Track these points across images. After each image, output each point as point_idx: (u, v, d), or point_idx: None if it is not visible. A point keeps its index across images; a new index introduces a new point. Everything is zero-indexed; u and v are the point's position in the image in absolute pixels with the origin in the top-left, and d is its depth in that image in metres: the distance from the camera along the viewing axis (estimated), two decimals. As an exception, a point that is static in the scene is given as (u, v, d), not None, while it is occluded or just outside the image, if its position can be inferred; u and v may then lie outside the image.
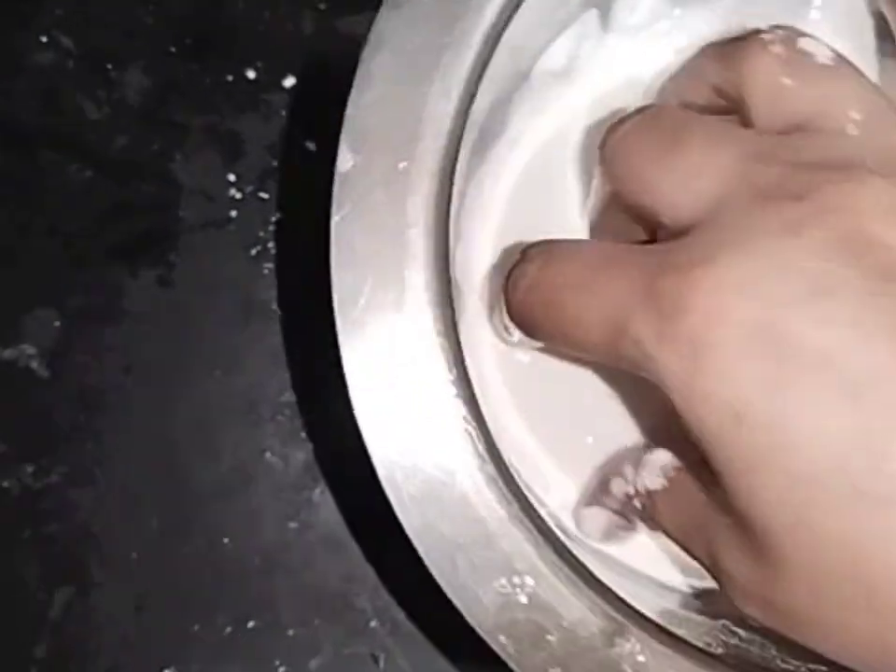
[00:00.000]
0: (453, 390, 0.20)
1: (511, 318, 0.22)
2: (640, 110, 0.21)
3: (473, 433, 0.20)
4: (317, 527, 0.29)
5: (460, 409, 0.20)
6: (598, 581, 0.20)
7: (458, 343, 0.20)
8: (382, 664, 0.29)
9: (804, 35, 0.20)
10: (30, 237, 0.30)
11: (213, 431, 0.29)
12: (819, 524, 0.17)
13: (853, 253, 0.17)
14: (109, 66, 0.30)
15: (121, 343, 0.29)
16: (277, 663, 0.29)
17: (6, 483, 0.29)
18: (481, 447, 0.20)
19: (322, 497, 0.29)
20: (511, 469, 0.21)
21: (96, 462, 0.29)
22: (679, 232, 0.19)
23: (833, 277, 0.17)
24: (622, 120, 0.21)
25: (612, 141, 0.21)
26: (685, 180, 0.19)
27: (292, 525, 0.29)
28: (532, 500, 0.21)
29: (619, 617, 0.20)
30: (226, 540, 0.29)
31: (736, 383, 0.17)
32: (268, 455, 0.29)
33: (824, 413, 0.17)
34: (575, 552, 0.21)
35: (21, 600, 0.29)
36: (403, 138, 0.21)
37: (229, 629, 0.29)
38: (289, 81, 0.30)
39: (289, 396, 0.29)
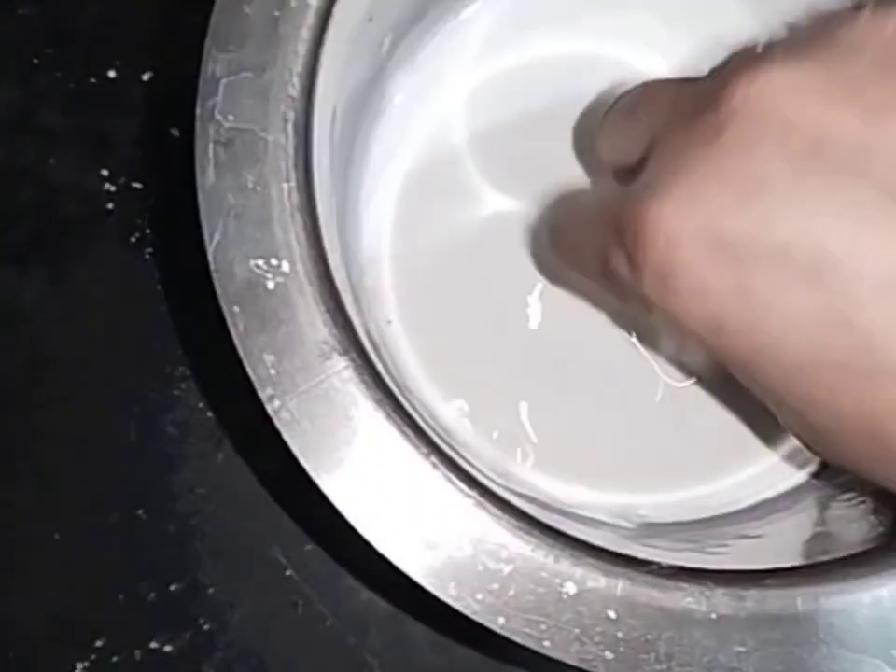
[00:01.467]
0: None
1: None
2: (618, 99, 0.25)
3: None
4: (225, 490, 0.31)
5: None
6: None
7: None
8: (300, 610, 0.30)
9: None
10: (-76, 254, 0.31)
11: (117, 412, 0.31)
12: (823, 405, 0.18)
13: (774, 140, 0.18)
14: (-22, 85, 0.32)
15: (20, 343, 0.31)
16: (202, 621, 0.30)
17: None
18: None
19: (225, 461, 0.31)
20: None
21: (9, 456, 0.31)
22: (638, 171, 0.21)
23: (760, 171, 0.18)
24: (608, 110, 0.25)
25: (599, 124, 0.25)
26: (635, 135, 0.21)
27: (200, 490, 0.31)
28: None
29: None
30: (140, 512, 0.31)
31: (707, 297, 0.18)
32: (170, 428, 0.31)
33: (791, 303, 0.17)
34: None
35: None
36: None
37: (152, 595, 0.30)
38: (147, 75, 0.32)
39: (183, 370, 0.31)
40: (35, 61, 0.32)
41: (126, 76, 0.32)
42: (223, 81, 0.22)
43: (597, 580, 0.21)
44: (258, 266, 0.21)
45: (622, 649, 0.21)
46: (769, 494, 0.28)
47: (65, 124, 0.32)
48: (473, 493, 0.21)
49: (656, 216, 0.18)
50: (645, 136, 0.21)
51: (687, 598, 0.21)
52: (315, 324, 0.21)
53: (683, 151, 0.19)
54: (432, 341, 0.29)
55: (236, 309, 0.21)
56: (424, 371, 0.29)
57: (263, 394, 0.21)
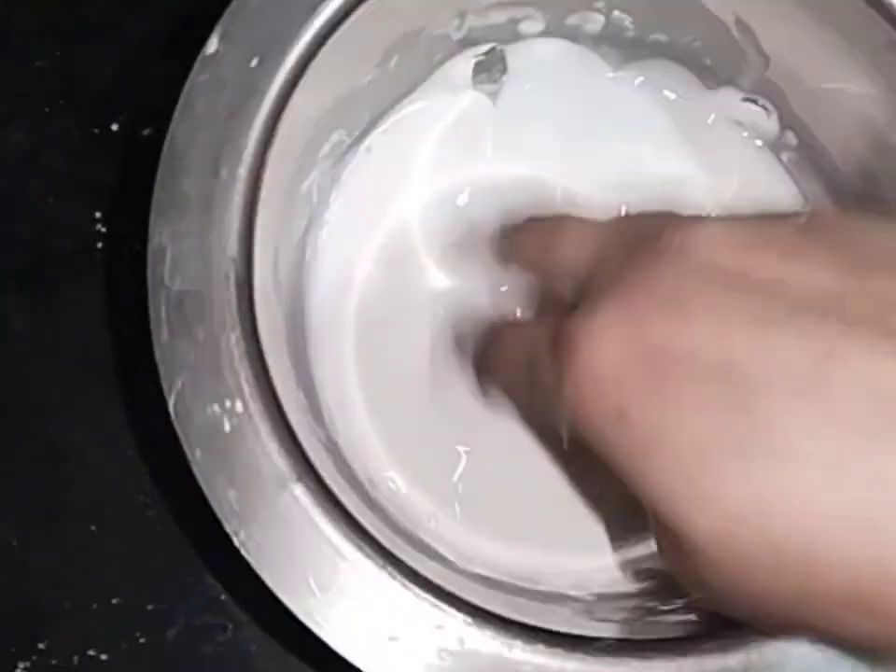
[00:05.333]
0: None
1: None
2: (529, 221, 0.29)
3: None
4: (173, 511, 0.33)
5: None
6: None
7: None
8: (229, 632, 0.33)
9: None
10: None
11: (79, 436, 0.34)
12: (711, 494, 0.19)
13: (701, 270, 0.20)
14: (-7, 126, 0.35)
15: (4, 362, 0.34)
16: (138, 634, 0.33)
17: None
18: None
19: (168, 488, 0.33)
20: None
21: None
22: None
23: (684, 291, 0.20)
24: (515, 230, 0.29)
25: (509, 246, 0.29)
26: (569, 267, 0.25)
27: (150, 513, 0.33)
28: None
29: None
30: (93, 528, 0.33)
31: (619, 390, 0.20)
32: (126, 449, 0.34)
33: (697, 393, 0.19)
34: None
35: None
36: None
37: (95, 605, 0.33)
38: (147, 131, 0.35)
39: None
40: (47, 110, 0.35)
41: (128, 130, 0.35)
42: (168, 250, 0.25)
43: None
44: (214, 411, 0.24)
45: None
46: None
47: (67, 168, 0.35)
48: (428, 596, 0.24)
49: (588, 323, 0.21)
50: (573, 267, 0.24)
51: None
52: (270, 456, 0.24)
53: (620, 276, 0.22)
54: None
55: (198, 453, 0.24)
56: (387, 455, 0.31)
57: (230, 527, 0.24)
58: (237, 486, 0.24)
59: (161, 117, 0.35)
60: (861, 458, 0.18)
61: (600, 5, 0.32)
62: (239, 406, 0.24)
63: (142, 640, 0.33)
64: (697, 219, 0.22)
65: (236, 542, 0.23)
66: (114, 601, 0.33)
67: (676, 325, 0.20)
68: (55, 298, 0.34)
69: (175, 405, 0.24)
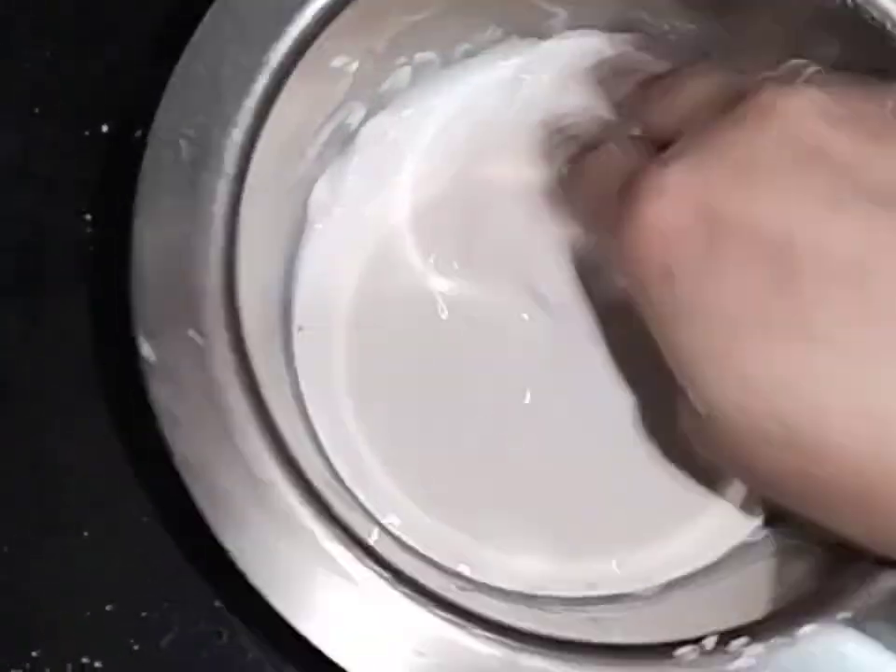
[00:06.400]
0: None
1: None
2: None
3: None
4: (170, 520, 0.33)
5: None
6: None
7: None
8: (225, 639, 0.32)
9: None
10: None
11: (69, 439, 0.33)
12: (738, 366, 0.19)
13: (781, 141, 0.20)
14: (-15, 131, 0.35)
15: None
16: (132, 641, 0.32)
17: None
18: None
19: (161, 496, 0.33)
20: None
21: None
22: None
23: (759, 160, 0.20)
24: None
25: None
26: (669, 110, 0.24)
27: (144, 520, 0.33)
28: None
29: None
30: (86, 535, 0.33)
31: (671, 249, 0.20)
32: (120, 459, 0.33)
33: (745, 270, 0.19)
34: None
35: None
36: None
37: (88, 613, 0.32)
38: (138, 133, 0.35)
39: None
40: (36, 111, 0.35)
41: (118, 131, 0.35)
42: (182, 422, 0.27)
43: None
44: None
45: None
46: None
47: (57, 170, 0.34)
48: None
49: (658, 177, 0.21)
50: (678, 113, 0.24)
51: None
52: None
53: (700, 136, 0.21)
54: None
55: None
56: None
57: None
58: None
59: (152, 119, 0.35)
60: (892, 353, 0.18)
61: (402, 60, 0.32)
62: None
63: (136, 647, 0.32)
64: (793, 86, 0.21)
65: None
66: (108, 608, 0.32)
67: (741, 194, 0.20)
68: (46, 301, 0.34)
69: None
